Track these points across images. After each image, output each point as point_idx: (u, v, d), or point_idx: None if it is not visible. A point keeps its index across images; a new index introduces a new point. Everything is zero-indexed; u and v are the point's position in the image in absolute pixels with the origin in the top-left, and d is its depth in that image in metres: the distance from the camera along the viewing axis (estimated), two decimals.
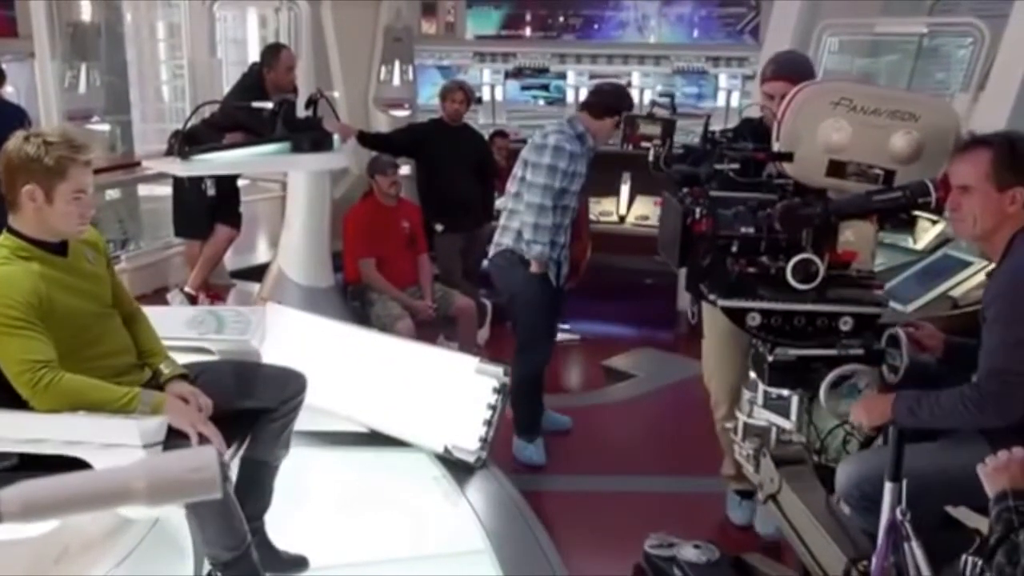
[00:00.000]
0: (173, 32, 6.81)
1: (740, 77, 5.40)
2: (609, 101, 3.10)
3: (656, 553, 2.26)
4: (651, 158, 2.14)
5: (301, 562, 2.27)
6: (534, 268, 3.09)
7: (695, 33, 5.90)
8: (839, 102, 1.83)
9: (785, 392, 1.85)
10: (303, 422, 2.41)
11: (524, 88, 6.03)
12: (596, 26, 6.20)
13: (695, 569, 2.14)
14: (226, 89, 5.14)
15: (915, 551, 1.53)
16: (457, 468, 2.86)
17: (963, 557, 1.47)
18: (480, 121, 5.66)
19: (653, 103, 3.82)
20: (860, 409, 1.76)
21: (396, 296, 4.00)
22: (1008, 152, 1.70)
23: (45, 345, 1.81)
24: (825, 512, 1.87)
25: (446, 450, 2.90)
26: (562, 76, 5.99)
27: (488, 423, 2.92)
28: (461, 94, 4.66)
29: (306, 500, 2.61)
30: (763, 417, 1.94)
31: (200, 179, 4.26)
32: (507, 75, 6.07)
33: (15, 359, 1.81)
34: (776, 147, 1.89)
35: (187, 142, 3.84)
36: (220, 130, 4.22)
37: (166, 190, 4.90)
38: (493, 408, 2.93)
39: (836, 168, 1.81)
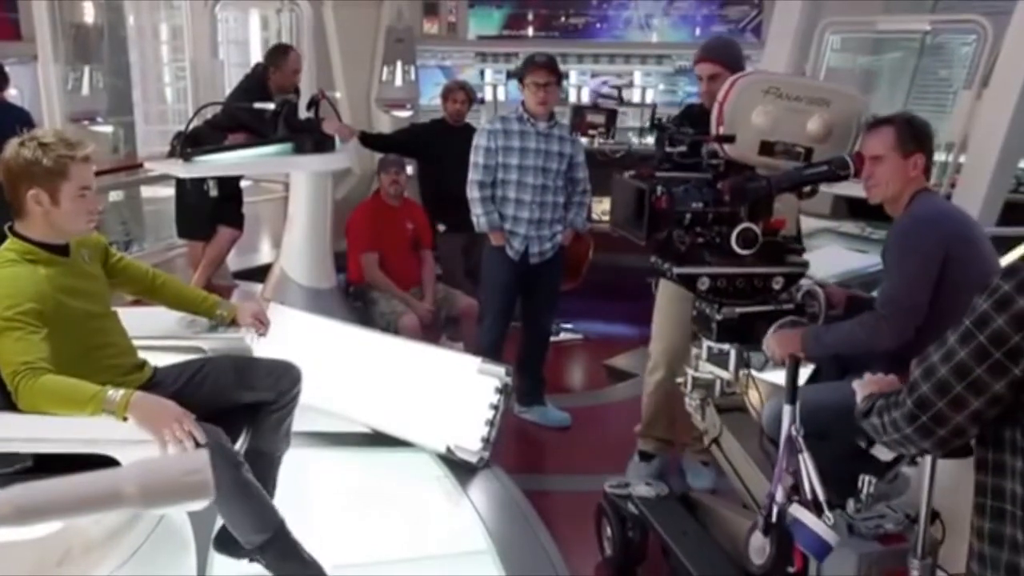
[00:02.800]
0: (175, 34, 6.83)
1: None
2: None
3: (614, 492, 2.55)
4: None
5: None
6: (492, 240, 3.41)
7: (697, 32, 5.89)
8: (768, 90, 2.09)
9: (725, 347, 2.09)
10: (305, 422, 2.42)
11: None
12: (599, 25, 6.19)
13: (647, 503, 2.44)
14: (228, 90, 5.14)
15: (806, 461, 1.80)
16: (459, 468, 2.85)
17: (861, 477, 1.84)
18: (482, 121, 5.64)
19: (599, 95, 4.04)
20: (773, 341, 2.02)
21: (397, 294, 4.00)
22: (907, 126, 2.07)
23: (34, 346, 1.78)
24: (758, 451, 2.12)
25: (448, 450, 2.90)
26: (564, 76, 5.97)
27: (490, 423, 2.91)
28: (463, 94, 4.66)
29: (308, 500, 2.61)
30: (707, 370, 2.18)
31: (202, 180, 4.26)
32: (509, 75, 6.07)
33: (4, 360, 1.79)
34: (717, 131, 2.13)
35: (189, 143, 3.84)
36: (222, 131, 4.22)
37: (169, 191, 4.91)
38: (495, 408, 2.92)
39: (766, 148, 2.07)
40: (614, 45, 6.07)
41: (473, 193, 3.41)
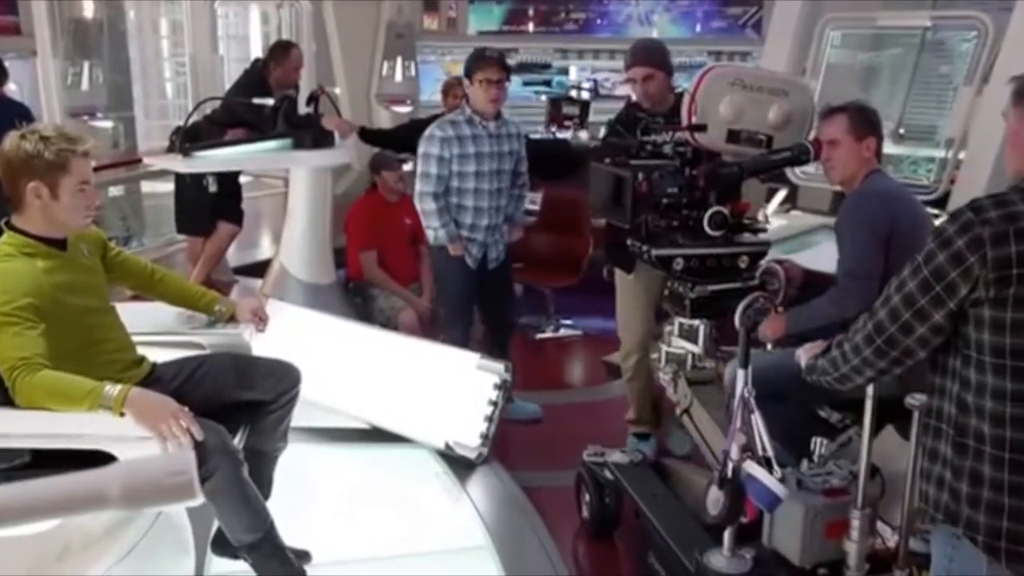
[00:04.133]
0: (175, 29, 6.81)
1: None
2: (466, 66, 3.25)
3: (591, 460, 2.71)
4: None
5: (303, 556, 2.27)
6: (451, 251, 3.24)
7: (698, 28, 5.87)
8: (734, 82, 2.23)
9: (695, 322, 2.24)
10: (304, 418, 2.41)
11: (526, 84, 6.02)
12: (599, 21, 6.17)
13: (621, 469, 2.61)
14: (228, 85, 5.14)
15: (758, 421, 1.95)
16: (458, 464, 2.85)
17: (813, 439, 2.07)
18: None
19: (572, 87, 4.79)
20: (766, 328, 2.19)
21: (396, 291, 4.00)
22: (859, 113, 2.27)
23: (32, 342, 1.78)
24: (725, 420, 2.21)
25: (447, 446, 2.90)
26: (564, 72, 5.96)
27: (489, 419, 2.91)
28: (463, 90, 4.64)
29: (307, 496, 2.61)
30: (679, 346, 2.32)
31: (202, 176, 4.26)
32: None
33: (1, 355, 1.78)
34: (690, 121, 2.29)
35: (189, 139, 3.84)
36: (222, 127, 4.22)
37: (168, 187, 4.91)
38: (494, 404, 2.92)
39: (733, 135, 2.21)
40: (614, 41, 6.05)
41: (427, 205, 3.19)
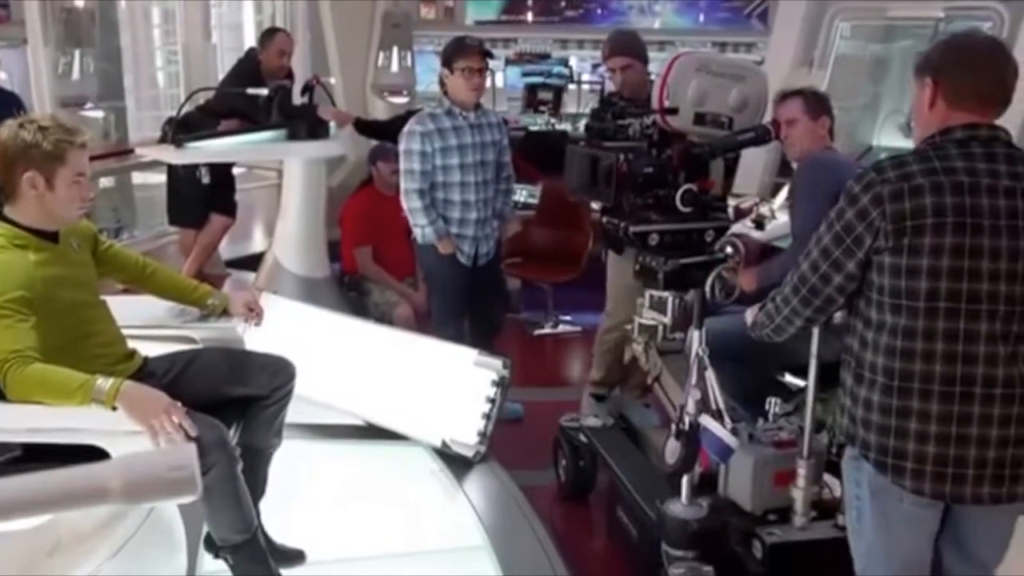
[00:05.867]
0: (168, 17, 6.73)
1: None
2: (445, 55, 3.18)
3: (568, 425, 2.97)
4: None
5: (298, 556, 2.25)
6: (441, 249, 3.17)
7: (701, 18, 5.79)
8: (699, 68, 2.38)
9: (665, 294, 2.36)
10: (299, 415, 2.37)
11: (525, 74, 5.95)
12: (599, 11, 6.10)
13: (594, 432, 2.87)
14: (221, 75, 5.07)
15: (711, 377, 2.14)
16: (455, 462, 2.81)
17: (768, 399, 2.32)
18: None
19: (547, 74, 4.94)
20: (743, 279, 2.32)
21: (392, 285, 3.95)
22: (813, 95, 2.58)
23: (23, 335, 1.76)
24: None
25: (444, 444, 2.86)
26: (564, 62, 5.89)
27: (487, 417, 2.87)
28: None
29: (302, 494, 2.58)
30: (650, 317, 2.44)
31: (195, 167, 4.21)
32: (508, 61, 5.98)
33: None
34: (661, 105, 2.41)
35: (181, 129, 3.79)
36: (215, 117, 4.16)
37: (160, 178, 4.86)
38: (492, 401, 2.88)
39: (699, 118, 2.37)
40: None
41: (413, 203, 3.13)
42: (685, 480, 2.24)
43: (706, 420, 2.10)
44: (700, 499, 2.27)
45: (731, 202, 2.54)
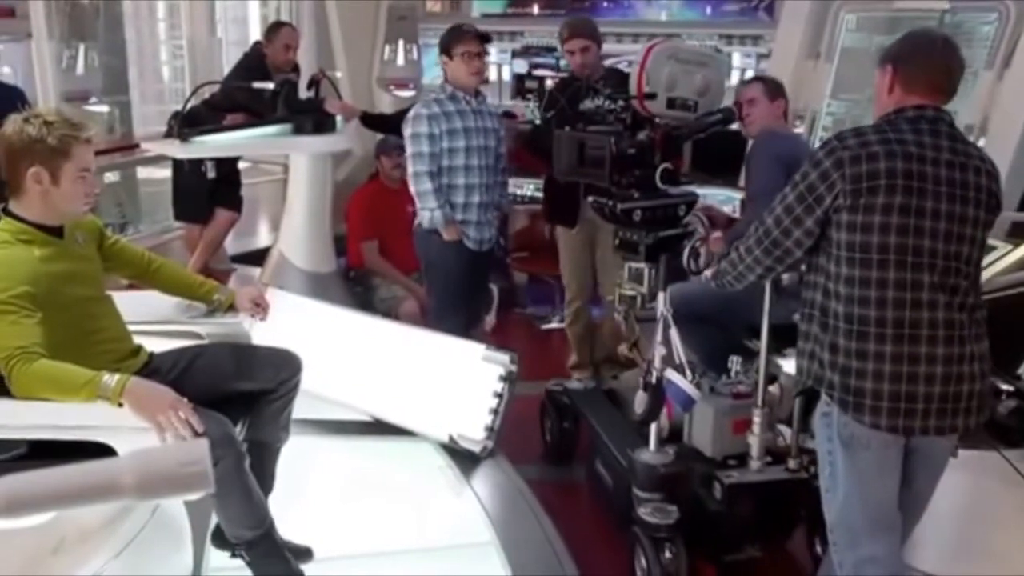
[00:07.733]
0: (172, 11, 6.71)
1: (755, 56, 5.23)
2: (443, 43, 3.25)
3: (553, 389, 3.24)
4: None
5: (306, 553, 2.23)
6: (445, 235, 3.16)
7: (708, 11, 5.74)
8: (671, 56, 2.51)
9: (642, 266, 2.51)
10: (305, 410, 2.37)
11: (533, 67, 5.91)
12: (606, 4, 6.05)
13: (577, 394, 3.17)
14: (226, 69, 5.06)
15: (674, 335, 2.36)
16: (462, 458, 2.80)
17: (730, 357, 2.57)
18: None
19: (534, 66, 5.09)
20: (712, 245, 2.46)
21: (398, 280, 3.94)
22: (771, 80, 2.93)
23: (29, 331, 1.76)
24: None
25: (451, 439, 2.84)
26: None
27: (495, 412, 2.85)
28: None
29: (309, 490, 2.57)
30: (630, 287, 2.58)
31: (200, 161, 4.21)
32: (514, 54, 5.94)
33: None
34: (640, 91, 2.54)
35: (187, 124, 3.79)
36: (220, 111, 4.16)
37: (166, 173, 4.86)
38: (500, 396, 2.87)
39: (671, 102, 2.51)
40: (621, 24, 5.92)
41: (423, 186, 3.13)
42: (653, 430, 2.49)
43: (671, 374, 2.32)
44: (667, 447, 2.53)
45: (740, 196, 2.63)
